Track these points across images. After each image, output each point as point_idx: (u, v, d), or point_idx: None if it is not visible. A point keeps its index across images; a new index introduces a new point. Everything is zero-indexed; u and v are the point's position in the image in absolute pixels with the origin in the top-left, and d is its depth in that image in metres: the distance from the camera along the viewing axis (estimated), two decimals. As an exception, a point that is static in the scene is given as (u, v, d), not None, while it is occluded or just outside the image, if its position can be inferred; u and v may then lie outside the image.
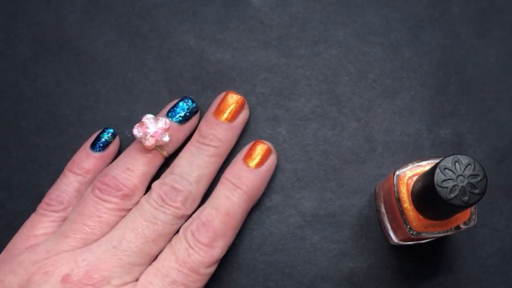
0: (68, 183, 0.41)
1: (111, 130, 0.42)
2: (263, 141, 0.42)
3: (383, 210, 0.41)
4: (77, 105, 0.44)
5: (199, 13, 0.45)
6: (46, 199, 0.40)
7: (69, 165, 0.42)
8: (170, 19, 0.45)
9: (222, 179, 0.40)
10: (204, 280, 0.38)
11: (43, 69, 0.45)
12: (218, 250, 0.38)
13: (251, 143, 0.42)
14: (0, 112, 0.44)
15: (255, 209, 0.43)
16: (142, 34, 0.45)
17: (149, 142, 0.40)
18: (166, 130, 0.40)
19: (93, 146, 0.42)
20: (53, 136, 0.44)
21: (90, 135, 0.43)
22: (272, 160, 0.42)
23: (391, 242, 0.42)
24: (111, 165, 0.41)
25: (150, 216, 0.38)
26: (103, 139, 0.42)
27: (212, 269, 0.38)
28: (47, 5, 0.46)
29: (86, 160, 0.41)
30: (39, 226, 0.39)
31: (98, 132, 0.42)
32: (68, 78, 0.45)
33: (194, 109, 0.42)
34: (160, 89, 0.44)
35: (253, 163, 0.41)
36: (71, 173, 0.41)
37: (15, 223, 0.42)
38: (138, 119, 0.43)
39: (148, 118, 0.40)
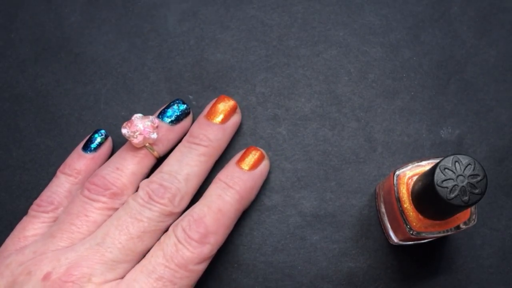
0: (59, 184, 0.41)
1: (103, 131, 0.42)
2: (256, 147, 0.42)
3: (383, 210, 0.41)
4: (77, 105, 0.44)
5: (199, 13, 0.45)
6: (37, 201, 0.40)
7: (61, 167, 0.42)
8: (170, 19, 0.45)
9: (215, 180, 0.40)
10: (192, 277, 0.37)
11: (43, 69, 0.45)
12: (208, 247, 0.37)
13: (244, 150, 0.42)
14: (0, 112, 0.44)
15: (255, 209, 0.43)
16: (142, 34, 0.45)
17: (137, 139, 0.40)
18: (155, 128, 0.40)
19: (85, 148, 0.42)
20: (53, 136, 0.44)
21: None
22: (265, 165, 0.42)
23: (391, 242, 0.42)
24: (101, 166, 0.41)
25: (136, 212, 0.38)
26: (95, 141, 0.42)
27: (201, 267, 0.37)
28: (47, 5, 0.46)
29: (78, 161, 0.41)
30: (29, 228, 0.39)
31: (90, 134, 0.42)
32: (68, 78, 0.45)
33: (186, 111, 0.42)
34: (160, 89, 0.44)
35: (246, 166, 0.41)
36: (63, 174, 0.41)
37: (15, 223, 0.42)
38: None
39: (136, 117, 0.40)
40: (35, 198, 0.42)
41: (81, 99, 0.44)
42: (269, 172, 0.43)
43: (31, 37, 0.45)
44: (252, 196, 0.41)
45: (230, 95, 0.44)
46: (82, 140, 0.43)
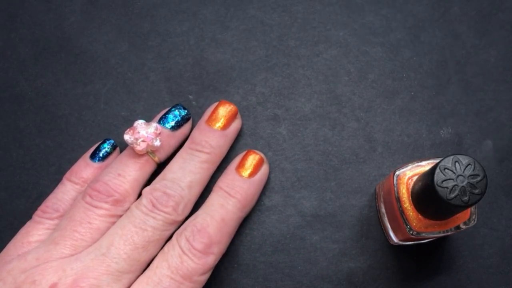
0: (65, 192, 0.41)
1: (112, 141, 0.42)
2: (255, 151, 0.42)
3: (383, 210, 0.41)
4: (77, 105, 0.44)
5: (199, 13, 0.45)
6: (42, 207, 0.40)
7: (67, 174, 0.41)
8: (170, 19, 0.45)
9: (216, 188, 0.40)
10: None
11: (43, 69, 0.45)
12: (212, 257, 0.38)
13: (243, 153, 0.42)
14: (0, 112, 0.44)
15: (255, 209, 0.43)
16: (142, 34, 0.45)
17: (141, 146, 0.40)
18: (158, 134, 0.40)
19: (92, 156, 0.42)
20: (53, 136, 0.44)
21: (90, 135, 0.43)
22: (264, 170, 0.42)
23: (391, 242, 0.42)
24: (102, 171, 0.40)
25: (140, 222, 0.38)
26: (103, 150, 0.42)
27: (205, 277, 0.38)
28: (47, 5, 0.46)
29: (84, 169, 0.41)
30: (33, 233, 0.39)
31: (98, 143, 0.42)
32: (68, 78, 0.45)
33: (186, 116, 0.42)
34: (160, 89, 0.44)
35: (246, 173, 0.41)
36: (69, 181, 0.41)
37: (15, 223, 0.42)
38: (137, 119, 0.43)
39: (139, 123, 0.40)
40: (35, 198, 0.42)
41: (81, 99, 0.44)
42: (269, 172, 0.43)
43: (31, 37, 0.45)
44: (253, 202, 0.41)
45: (230, 95, 0.44)
46: (82, 140, 0.43)
